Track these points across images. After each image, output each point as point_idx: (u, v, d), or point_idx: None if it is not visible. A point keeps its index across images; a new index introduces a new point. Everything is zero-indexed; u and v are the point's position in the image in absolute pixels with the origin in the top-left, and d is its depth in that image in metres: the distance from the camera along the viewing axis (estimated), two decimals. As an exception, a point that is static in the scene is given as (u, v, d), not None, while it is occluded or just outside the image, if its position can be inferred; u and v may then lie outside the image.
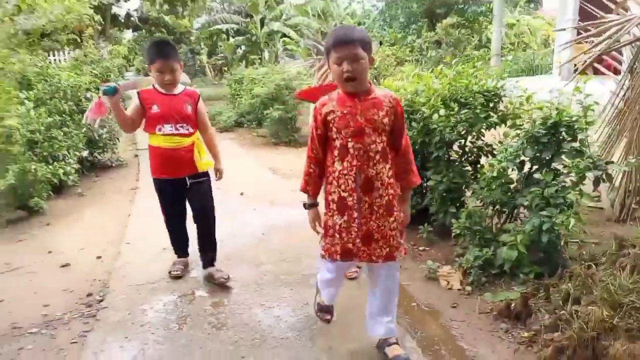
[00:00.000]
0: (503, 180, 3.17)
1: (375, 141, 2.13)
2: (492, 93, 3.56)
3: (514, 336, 2.51)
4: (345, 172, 2.15)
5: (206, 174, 3.19)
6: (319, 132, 2.20)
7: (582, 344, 2.06)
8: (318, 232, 2.35)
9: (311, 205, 2.35)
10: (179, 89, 3.07)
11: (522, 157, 3.16)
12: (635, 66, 3.78)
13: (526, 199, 3.01)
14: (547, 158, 3.07)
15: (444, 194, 3.59)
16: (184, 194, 3.15)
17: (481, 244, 3.15)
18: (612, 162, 3.03)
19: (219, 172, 3.28)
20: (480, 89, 3.56)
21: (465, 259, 3.12)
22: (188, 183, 3.09)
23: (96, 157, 6.87)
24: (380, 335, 2.37)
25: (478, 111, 3.41)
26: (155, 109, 2.94)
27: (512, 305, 2.62)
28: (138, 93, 2.96)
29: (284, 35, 17.36)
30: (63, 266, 3.57)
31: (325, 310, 2.62)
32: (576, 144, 2.98)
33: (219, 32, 21.03)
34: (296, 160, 6.93)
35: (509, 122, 3.40)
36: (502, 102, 3.61)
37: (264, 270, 3.38)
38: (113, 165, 6.93)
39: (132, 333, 2.65)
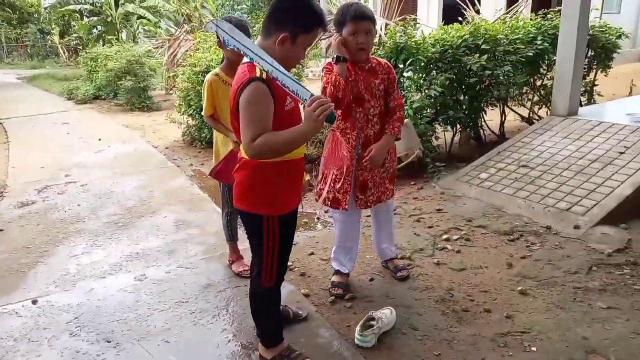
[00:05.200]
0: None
1: (374, 105, 2.43)
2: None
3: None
4: (348, 130, 2.45)
5: None
6: (330, 92, 2.33)
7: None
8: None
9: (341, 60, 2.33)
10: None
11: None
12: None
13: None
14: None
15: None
16: None
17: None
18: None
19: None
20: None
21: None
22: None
23: (-38, 124, 7.93)
24: (387, 257, 2.87)
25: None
26: (289, 103, 1.82)
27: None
28: (266, 82, 1.68)
29: (141, 16, 18.30)
30: (-35, 182, 5.12)
31: (336, 285, 2.67)
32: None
33: (71, 12, 20.96)
34: (146, 120, 8.75)
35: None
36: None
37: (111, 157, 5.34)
38: (-21, 129, 8.05)
39: (25, 200, 4.45)
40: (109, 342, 2.31)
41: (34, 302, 2.70)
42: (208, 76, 2.77)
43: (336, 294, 2.64)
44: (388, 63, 2.54)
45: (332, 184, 2.51)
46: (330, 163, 2.45)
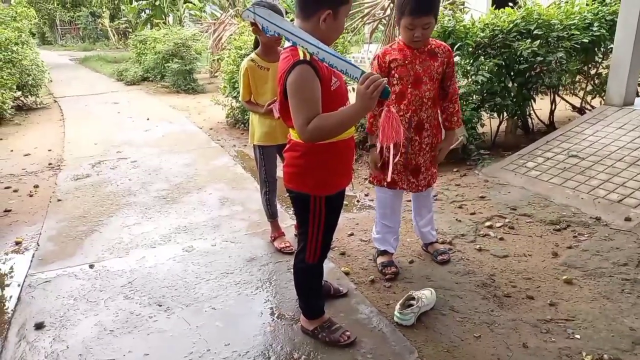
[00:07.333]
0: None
1: (430, 89, 2.40)
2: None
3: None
4: (401, 114, 2.42)
5: None
6: None
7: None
8: (374, 171, 2.55)
9: (372, 146, 2.49)
10: None
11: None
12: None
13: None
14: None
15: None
16: None
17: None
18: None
19: None
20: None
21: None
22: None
23: (22, 101, 8.39)
24: (428, 240, 2.88)
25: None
26: (335, 82, 1.79)
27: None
28: (310, 64, 1.65)
29: (187, 0, 18.63)
30: (25, 155, 5.45)
31: (387, 265, 2.69)
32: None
33: (121, -5, 21.59)
34: (192, 102, 8.98)
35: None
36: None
37: (159, 136, 5.54)
38: (38, 107, 8.52)
39: (80, 173, 4.70)
40: (160, 305, 2.44)
41: (91, 266, 2.88)
42: (244, 62, 2.82)
43: (392, 273, 2.65)
44: (448, 47, 2.49)
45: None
46: (388, 137, 2.15)
